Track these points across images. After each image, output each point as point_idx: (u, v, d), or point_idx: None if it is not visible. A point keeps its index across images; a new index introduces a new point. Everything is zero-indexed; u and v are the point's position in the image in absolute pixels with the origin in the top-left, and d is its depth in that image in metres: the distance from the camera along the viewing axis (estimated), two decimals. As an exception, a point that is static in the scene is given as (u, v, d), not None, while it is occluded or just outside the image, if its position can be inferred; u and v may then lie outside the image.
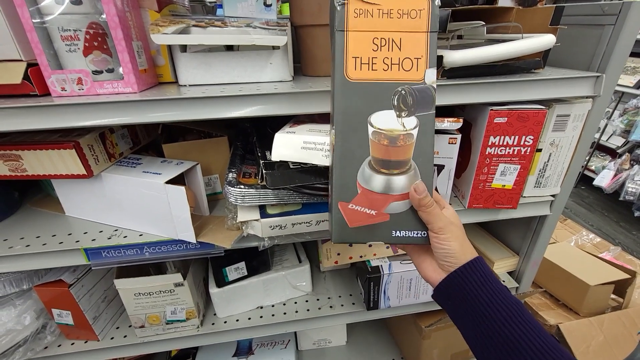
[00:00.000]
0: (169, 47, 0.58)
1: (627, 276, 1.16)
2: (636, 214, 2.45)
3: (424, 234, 0.42)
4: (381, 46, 0.41)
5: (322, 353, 1.10)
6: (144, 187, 0.59)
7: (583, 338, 1.07)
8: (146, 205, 0.60)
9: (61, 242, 0.62)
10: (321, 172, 0.54)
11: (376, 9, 0.40)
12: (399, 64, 0.41)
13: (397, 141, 0.41)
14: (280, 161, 0.53)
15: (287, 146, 0.50)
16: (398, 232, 0.42)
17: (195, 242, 0.61)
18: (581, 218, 2.61)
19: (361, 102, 0.40)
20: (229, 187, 0.56)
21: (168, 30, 0.51)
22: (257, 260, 0.79)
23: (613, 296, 1.20)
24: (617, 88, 2.64)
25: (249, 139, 0.74)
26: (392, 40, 0.41)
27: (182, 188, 0.56)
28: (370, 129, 0.41)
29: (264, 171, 0.52)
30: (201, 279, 0.84)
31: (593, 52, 0.61)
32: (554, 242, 1.42)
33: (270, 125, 0.68)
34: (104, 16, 0.49)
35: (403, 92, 0.41)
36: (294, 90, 0.52)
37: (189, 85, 0.59)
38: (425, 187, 0.41)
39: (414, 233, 0.42)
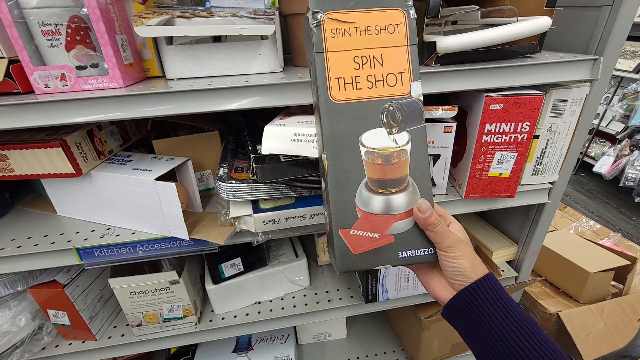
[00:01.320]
0: (155, 40, 0.57)
1: (627, 262, 1.16)
2: (636, 199, 2.45)
3: (431, 250, 0.40)
4: (363, 64, 0.39)
5: (322, 346, 1.10)
6: (134, 185, 0.58)
7: (583, 325, 1.06)
8: (137, 202, 0.59)
9: (53, 243, 0.62)
10: (313, 165, 0.53)
11: (353, 27, 0.39)
12: (383, 80, 0.40)
13: (391, 159, 0.39)
14: (271, 154, 0.51)
15: (277, 139, 0.48)
16: (404, 252, 0.40)
17: (188, 239, 0.60)
18: (581, 205, 2.60)
19: (350, 123, 0.39)
20: (220, 183, 0.55)
21: (152, 22, 0.49)
22: (253, 255, 0.79)
23: (613, 283, 1.20)
24: (616, 73, 2.62)
25: (240, 132, 0.73)
26: (373, 57, 0.40)
27: (173, 184, 0.55)
28: (363, 149, 0.39)
29: (254, 165, 0.51)
30: (197, 276, 0.84)
31: (590, 35, 0.60)
32: (553, 230, 1.41)
33: (261, 118, 0.67)
34: (85, 9, 0.48)
35: (391, 108, 0.39)
36: (283, 81, 0.51)
37: (177, 79, 0.57)
38: (429, 205, 0.39)
39: (420, 251, 0.40)
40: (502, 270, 0.88)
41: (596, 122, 2.81)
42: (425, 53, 0.55)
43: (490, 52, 0.56)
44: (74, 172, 0.58)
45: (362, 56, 0.39)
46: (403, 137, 0.40)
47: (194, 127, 0.76)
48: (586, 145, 2.94)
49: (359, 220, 0.39)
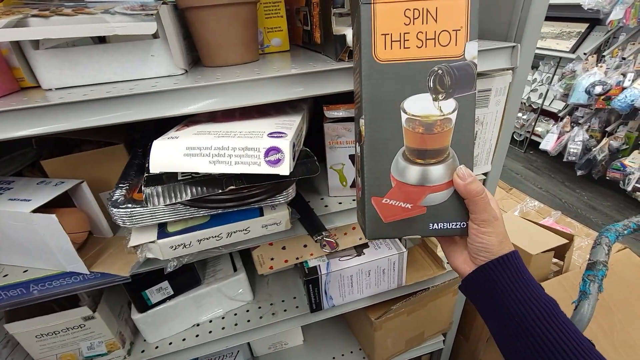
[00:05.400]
0: (17, 44, 0.48)
1: (566, 241, 1.20)
2: (578, 173, 2.61)
3: (464, 225, 0.39)
4: (414, 19, 0.35)
5: (279, 356, 1.06)
6: (9, 219, 0.49)
7: (531, 303, 1.09)
8: (20, 238, 0.51)
9: None
10: (218, 181, 0.46)
11: None
12: (434, 39, 0.35)
13: (433, 128, 0.36)
14: (168, 172, 0.45)
15: (166, 155, 0.42)
16: (436, 224, 0.39)
17: (88, 272, 0.52)
18: (530, 182, 2.74)
19: (393, 87, 0.36)
20: (112, 209, 0.47)
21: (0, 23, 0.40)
22: (183, 276, 0.72)
23: (555, 260, 1.25)
24: (555, 53, 2.75)
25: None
26: (427, 10, 0.34)
27: (53, 216, 0.46)
28: (404, 116, 0.36)
29: (143, 188, 0.44)
30: (124, 304, 0.75)
31: (509, 20, 0.58)
32: (502, 212, 1.45)
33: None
34: None
35: (440, 71, 0.35)
36: (176, 87, 0.44)
37: (55, 88, 0.49)
38: (470, 172, 0.37)
39: (452, 225, 0.39)
40: (447, 262, 0.87)
41: (540, 101, 2.95)
42: (338, 47, 0.50)
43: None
44: None
45: (414, 9, 0.34)
46: (449, 105, 0.36)
47: (100, 141, 0.66)
48: (533, 124, 3.08)
49: (392, 190, 0.38)
